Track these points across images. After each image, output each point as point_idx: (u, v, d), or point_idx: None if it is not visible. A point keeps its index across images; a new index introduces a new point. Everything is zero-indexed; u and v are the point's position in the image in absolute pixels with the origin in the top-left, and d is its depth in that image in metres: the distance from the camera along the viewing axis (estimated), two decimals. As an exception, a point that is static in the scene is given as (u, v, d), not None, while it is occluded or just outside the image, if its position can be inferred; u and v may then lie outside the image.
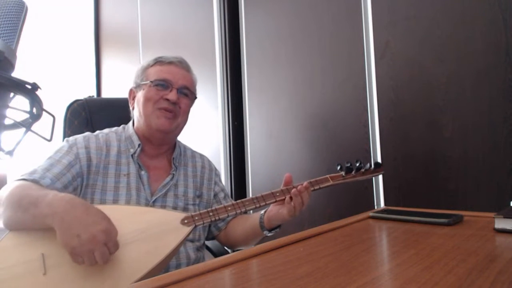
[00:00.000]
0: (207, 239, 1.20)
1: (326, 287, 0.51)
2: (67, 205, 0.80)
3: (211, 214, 0.94)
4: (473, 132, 1.17)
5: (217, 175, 1.26)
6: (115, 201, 1.02)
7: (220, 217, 0.95)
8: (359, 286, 0.50)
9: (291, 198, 0.97)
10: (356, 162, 1.07)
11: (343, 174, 1.06)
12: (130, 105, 1.18)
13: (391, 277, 0.54)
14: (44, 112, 0.68)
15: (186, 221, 0.91)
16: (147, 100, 1.09)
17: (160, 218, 0.90)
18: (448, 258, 0.60)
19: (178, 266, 1.03)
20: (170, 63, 1.13)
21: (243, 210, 0.97)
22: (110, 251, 0.79)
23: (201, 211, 0.94)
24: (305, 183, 1.00)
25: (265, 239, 0.94)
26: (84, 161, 1.03)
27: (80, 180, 1.02)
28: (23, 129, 0.66)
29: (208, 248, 1.26)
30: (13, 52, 0.63)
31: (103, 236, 0.77)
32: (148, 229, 0.87)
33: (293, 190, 0.97)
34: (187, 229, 0.89)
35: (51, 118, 0.69)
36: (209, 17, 2.01)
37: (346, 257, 0.64)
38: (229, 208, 0.96)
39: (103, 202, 1.02)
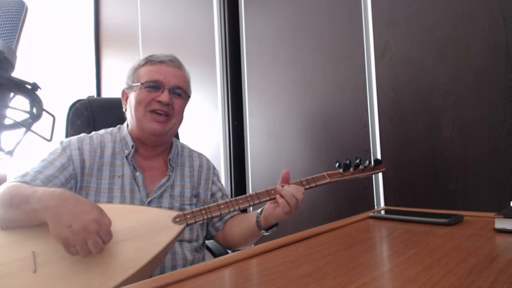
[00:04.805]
0: (206, 239, 1.19)
1: (326, 287, 0.51)
2: (57, 198, 0.80)
3: (203, 212, 0.92)
4: (473, 132, 1.17)
5: (216, 174, 1.24)
6: (109, 203, 1.01)
7: (213, 215, 0.93)
8: (359, 286, 0.50)
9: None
10: (356, 159, 1.03)
11: (341, 172, 1.02)
12: (123, 106, 1.17)
13: (391, 277, 0.54)
14: (44, 112, 0.68)
15: (178, 219, 0.90)
16: (138, 102, 1.06)
17: (152, 217, 0.89)
18: (448, 258, 0.60)
19: (174, 267, 1.02)
20: (161, 62, 1.09)
21: (236, 208, 0.95)
22: (103, 240, 0.78)
23: (193, 210, 0.93)
24: (295, 187, 0.97)
25: (264, 239, 0.94)
26: (77, 163, 1.02)
27: (74, 182, 1.01)
28: (23, 129, 0.66)
29: (208, 248, 1.26)
30: (13, 52, 0.63)
31: (94, 225, 0.77)
32: (140, 227, 0.86)
33: (284, 191, 0.95)
34: (178, 228, 0.89)
35: (51, 118, 0.69)
36: (209, 17, 2.01)
37: (346, 257, 0.64)
38: (222, 206, 0.94)
39: (97, 203, 1.01)
